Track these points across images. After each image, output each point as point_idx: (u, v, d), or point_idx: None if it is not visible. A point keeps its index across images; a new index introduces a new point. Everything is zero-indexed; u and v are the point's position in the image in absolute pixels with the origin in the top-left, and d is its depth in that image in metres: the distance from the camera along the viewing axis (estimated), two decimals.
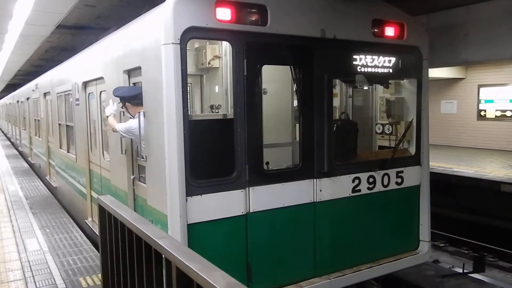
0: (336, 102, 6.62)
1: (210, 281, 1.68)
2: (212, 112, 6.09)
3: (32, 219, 8.63)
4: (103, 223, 3.19)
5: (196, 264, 1.87)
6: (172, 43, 4.30)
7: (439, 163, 13.12)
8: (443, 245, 10.76)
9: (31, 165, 16.93)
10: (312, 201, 5.30)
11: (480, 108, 17.05)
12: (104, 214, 3.14)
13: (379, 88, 6.94)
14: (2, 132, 39.78)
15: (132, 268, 2.68)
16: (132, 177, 5.67)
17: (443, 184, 11.31)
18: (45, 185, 12.70)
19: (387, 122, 6.67)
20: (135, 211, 5.35)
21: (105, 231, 3.19)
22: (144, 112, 4.95)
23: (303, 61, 5.22)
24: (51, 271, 5.83)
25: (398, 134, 6.40)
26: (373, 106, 7.28)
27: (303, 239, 5.30)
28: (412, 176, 6.21)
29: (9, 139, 30.83)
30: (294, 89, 5.64)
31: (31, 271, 5.85)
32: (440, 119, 17.23)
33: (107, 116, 5.78)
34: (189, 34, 4.41)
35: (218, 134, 4.92)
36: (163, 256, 2.23)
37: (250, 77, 4.76)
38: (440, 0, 7.24)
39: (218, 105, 6.09)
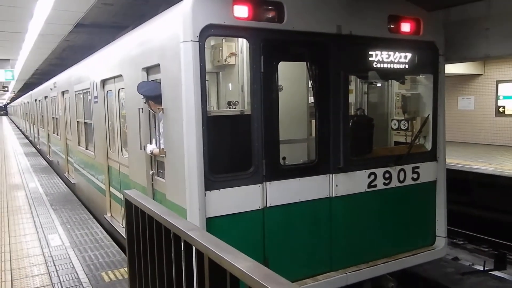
0: (351, 98, 6.64)
1: (246, 272, 1.69)
2: (230, 108, 6.16)
3: (53, 215, 8.82)
4: (130, 216, 3.27)
5: (229, 255, 1.91)
6: (191, 40, 4.38)
7: (457, 160, 13.00)
8: (462, 242, 10.68)
9: (49, 163, 17.24)
10: (328, 196, 5.34)
11: (499, 104, 16.82)
12: (131, 208, 3.22)
13: (395, 84, 6.94)
14: (20, 130, 40.43)
15: (161, 260, 2.75)
16: (151, 172, 5.78)
17: (463, 182, 11.21)
18: (63, 182, 12.95)
19: (403, 118, 6.67)
20: None
21: (131, 225, 3.27)
22: (163, 109, 5.05)
23: (319, 58, 5.26)
24: (74, 266, 5.98)
25: (414, 130, 6.39)
26: (388, 102, 7.27)
27: (319, 233, 5.34)
28: (428, 171, 6.20)
29: (27, 137, 31.33)
30: (310, 86, 5.68)
31: (55, 265, 6.00)
32: (457, 116, 17.03)
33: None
34: (208, 32, 4.49)
35: (236, 129, 5.00)
36: (193, 247, 2.29)
37: (267, 74, 4.82)
38: None
39: (236, 101, 6.15)
